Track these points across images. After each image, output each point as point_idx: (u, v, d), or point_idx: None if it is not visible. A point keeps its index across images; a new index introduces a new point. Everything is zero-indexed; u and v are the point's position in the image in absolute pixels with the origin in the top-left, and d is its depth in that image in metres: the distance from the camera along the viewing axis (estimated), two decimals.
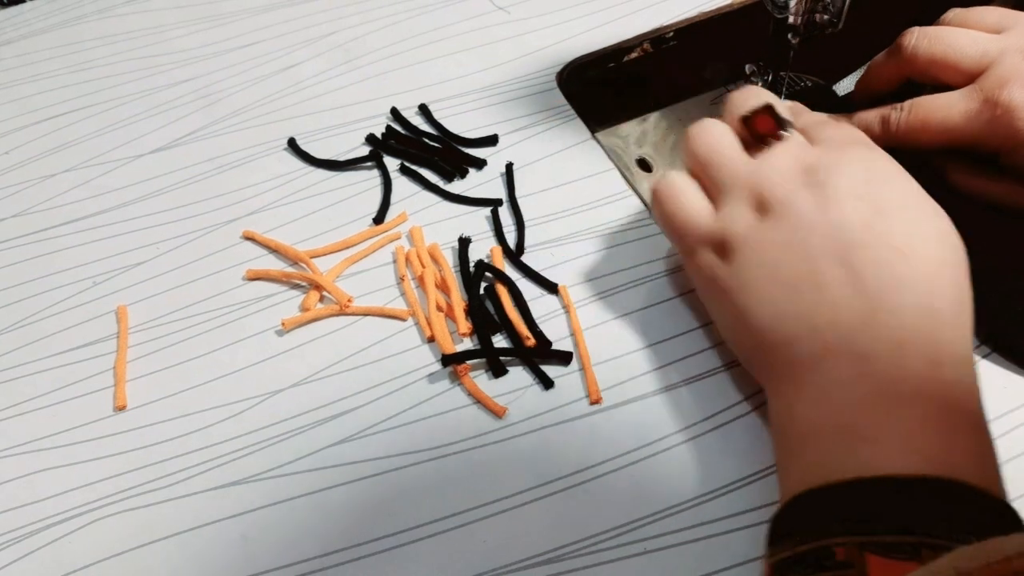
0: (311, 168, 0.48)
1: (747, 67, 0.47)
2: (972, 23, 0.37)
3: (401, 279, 0.41)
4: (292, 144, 0.49)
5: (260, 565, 0.32)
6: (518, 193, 0.45)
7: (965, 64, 0.36)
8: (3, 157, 0.51)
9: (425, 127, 0.49)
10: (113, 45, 0.58)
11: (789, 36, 0.42)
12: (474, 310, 0.39)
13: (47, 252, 0.45)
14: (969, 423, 0.26)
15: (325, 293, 0.41)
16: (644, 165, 0.46)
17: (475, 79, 0.52)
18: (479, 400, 0.36)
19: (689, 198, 0.34)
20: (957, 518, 0.23)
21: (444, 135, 0.49)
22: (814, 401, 0.28)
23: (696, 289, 0.35)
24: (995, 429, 0.28)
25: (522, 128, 0.48)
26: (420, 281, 0.41)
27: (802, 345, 0.29)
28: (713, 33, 0.54)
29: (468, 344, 0.38)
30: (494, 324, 0.39)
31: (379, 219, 0.44)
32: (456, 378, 0.37)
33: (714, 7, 0.55)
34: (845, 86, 0.45)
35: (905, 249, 0.28)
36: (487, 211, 0.44)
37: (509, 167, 0.46)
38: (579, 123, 0.48)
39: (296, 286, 0.42)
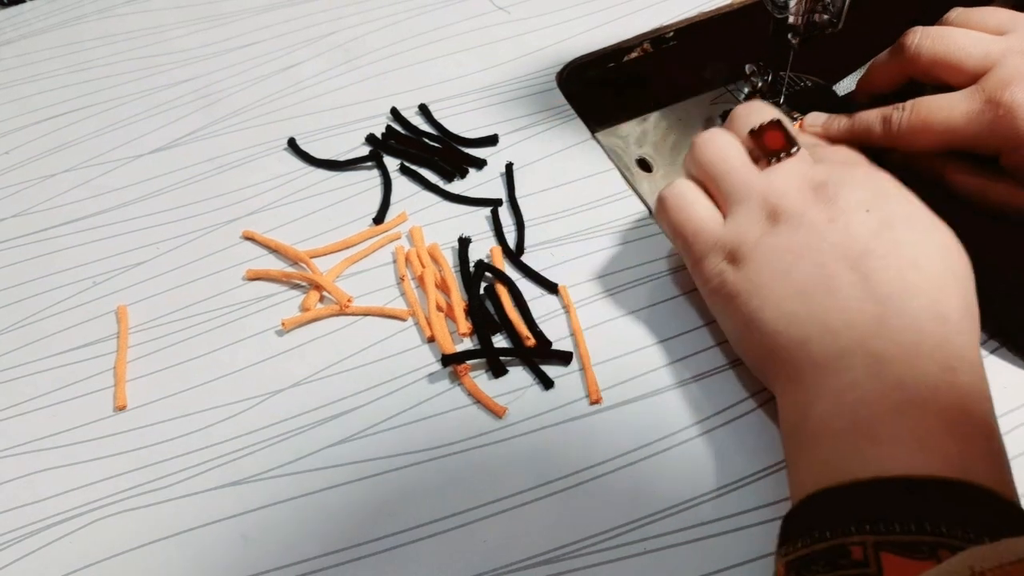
0: (311, 168, 0.48)
1: (747, 67, 0.47)
2: (975, 24, 0.37)
3: (401, 279, 0.41)
4: (292, 144, 0.49)
5: (260, 565, 0.32)
6: (518, 193, 0.45)
7: (968, 65, 0.36)
8: (3, 157, 0.51)
9: (425, 127, 0.49)
10: (113, 45, 0.58)
11: (789, 36, 0.42)
12: (474, 310, 0.39)
13: (47, 252, 0.45)
14: (982, 428, 0.27)
15: (325, 293, 0.41)
16: (644, 165, 0.46)
17: (475, 79, 0.52)
18: (479, 400, 0.36)
19: (699, 207, 0.35)
20: (972, 519, 0.23)
21: (444, 135, 0.49)
22: (829, 401, 0.28)
23: (703, 296, 0.35)
24: None
25: (522, 128, 0.48)
26: (420, 281, 0.41)
27: (816, 346, 0.29)
28: (713, 33, 0.54)
29: (468, 344, 0.38)
30: (494, 324, 0.39)
31: (379, 219, 0.44)
32: (456, 378, 0.37)
33: (714, 7, 0.55)
34: (845, 86, 0.45)
35: (913, 259, 0.29)
36: (487, 211, 0.44)
37: (509, 167, 0.46)
38: (579, 123, 0.48)
39: (296, 286, 0.42)
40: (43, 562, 0.33)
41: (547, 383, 0.36)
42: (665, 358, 0.37)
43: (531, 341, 0.37)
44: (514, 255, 0.42)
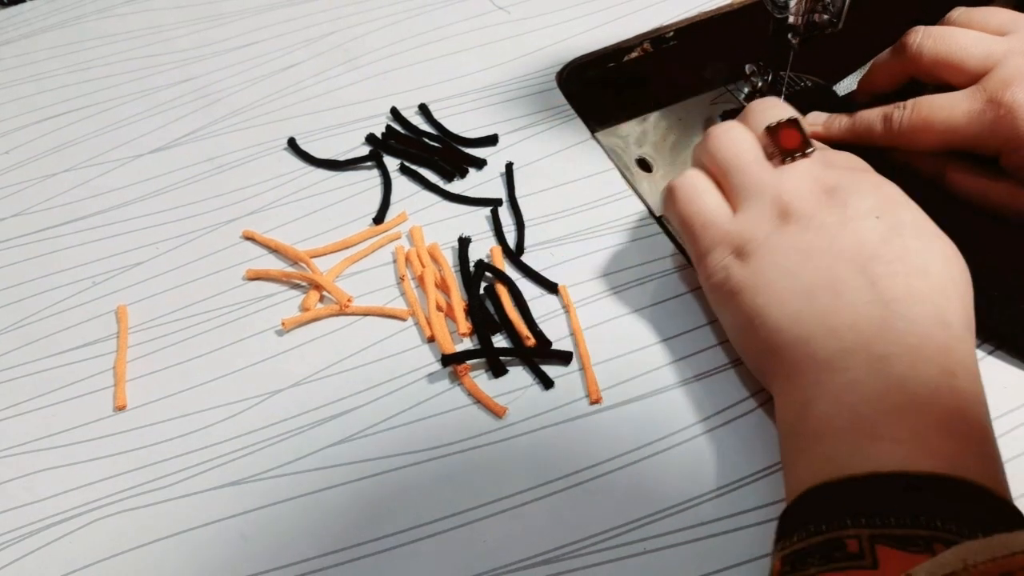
0: (311, 168, 0.48)
1: (747, 67, 0.47)
2: (977, 24, 0.37)
3: (401, 279, 0.41)
4: (292, 144, 0.49)
5: (260, 565, 0.32)
6: (518, 193, 0.45)
7: (969, 64, 0.36)
8: (3, 157, 0.51)
9: (425, 127, 0.49)
10: (113, 45, 0.58)
11: (789, 36, 0.42)
12: (474, 310, 0.39)
13: (47, 252, 0.45)
14: (979, 431, 0.27)
15: (325, 293, 0.41)
16: (644, 165, 0.46)
17: (475, 79, 0.52)
18: (479, 400, 0.36)
19: (708, 198, 0.35)
20: (966, 515, 0.23)
21: (444, 135, 0.49)
22: (829, 399, 0.28)
23: (705, 290, 0.35)
24: (995, 429, 0.28)
25: (522, 128, 0.48)
26: (420, 281, 0.41)
27: (818, 344, 0.29)
28: (713, 33, 0.54)
29: (468, 344, 0.38)
30: (494, 324, 0.39)
31: (379, 219, 0.44)
32: (456, 378, 0.37)
33: (714, 7, 0.55)
34: (846, 86, 0.45)
35: (920, 266, 0.30)
36: (487, 211, 0.44)
37: (509, 167, 0.46)
38: (579, 123, 0.48)
39: (296, 286, 0.42)
40: (43, 562, 0.33)
41: (547, 383, 0.36)
42: (665, 358, 0.37)
43: (531, 341, 0.37)
44: (514, 255, 0.42)
